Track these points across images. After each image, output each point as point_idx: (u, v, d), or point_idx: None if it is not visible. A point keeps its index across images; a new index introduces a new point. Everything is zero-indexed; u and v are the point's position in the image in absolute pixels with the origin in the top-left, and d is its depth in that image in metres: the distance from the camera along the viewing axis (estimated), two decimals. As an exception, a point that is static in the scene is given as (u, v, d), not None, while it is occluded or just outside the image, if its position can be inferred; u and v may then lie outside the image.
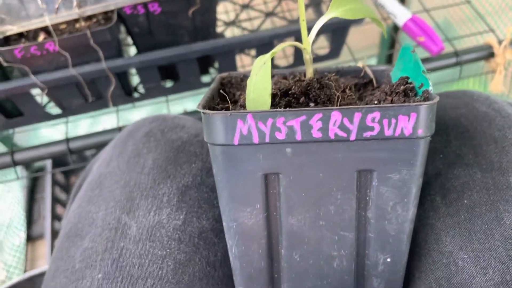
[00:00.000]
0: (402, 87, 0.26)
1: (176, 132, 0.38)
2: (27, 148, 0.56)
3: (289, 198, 0.26)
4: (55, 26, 0.49)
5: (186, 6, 0.50)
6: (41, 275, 0.75)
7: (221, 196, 0.27)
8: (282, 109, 0.25)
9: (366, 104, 0.27)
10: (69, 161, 0.59)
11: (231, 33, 0.67)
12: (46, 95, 0.54)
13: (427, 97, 0.24)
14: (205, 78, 0.59)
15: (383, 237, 0.27)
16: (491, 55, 0.59)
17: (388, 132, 0.23)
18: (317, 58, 0.58)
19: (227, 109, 0.28)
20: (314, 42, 0.59)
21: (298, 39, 0.54)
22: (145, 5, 0.49)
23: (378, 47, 1.06)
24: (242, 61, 0.65)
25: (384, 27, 0.29)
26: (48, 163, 1.03)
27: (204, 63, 0.61)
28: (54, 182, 1.06)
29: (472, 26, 0.75)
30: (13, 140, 0.94)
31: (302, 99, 0.27)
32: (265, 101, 0.24)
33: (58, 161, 1.05)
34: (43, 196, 1.14)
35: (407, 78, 0.27)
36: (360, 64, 0.33)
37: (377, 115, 0.23)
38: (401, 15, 0.60)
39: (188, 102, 0.95)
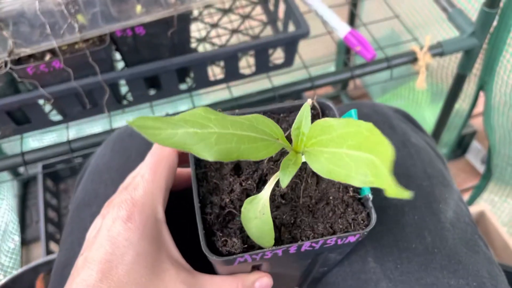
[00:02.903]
0: (351, 192, 0.34)
1: None
2: (35, 149, 0.67)
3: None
4: (59, 47, 0.60)
5: (165, 28, 0.62)
6: (45, 264, 0.84)
7: None
8: (273, 247, 0.31)
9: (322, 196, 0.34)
10: (72, 160, 0.70)
11: (203, 48, 0.79)
12: (51, 105, 0.65)
13: (366, 203, 0.32)
14: (183, 86, 0.71)
15: None
16: (415, 59, 0.73)
17: (339, 243, 0.32)
18: (274, 67, 0.71)
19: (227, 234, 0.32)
20: (271, 54, 0.72)
21: (258, 51, 0.67)
22: (132, 28, 0.61)
23: (336, 54, 1.23)
24: (213, 70, 0.77)
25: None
26: (39, 173, 1.12)
27: (181, 73, 0.73)
28: (45, 189, 1.14)
29: (408, 35, 0.89)
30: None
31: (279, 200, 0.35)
32: (269, 241, 0.30)
33: (48, 167, 1.14)
34: (34, 203, 1.21)
35: None
36: (309, 102, 0.37)
37: (333, 239, 0.31)
38: (342, 30, 0.73)
39: (168, 107, 1.08)
